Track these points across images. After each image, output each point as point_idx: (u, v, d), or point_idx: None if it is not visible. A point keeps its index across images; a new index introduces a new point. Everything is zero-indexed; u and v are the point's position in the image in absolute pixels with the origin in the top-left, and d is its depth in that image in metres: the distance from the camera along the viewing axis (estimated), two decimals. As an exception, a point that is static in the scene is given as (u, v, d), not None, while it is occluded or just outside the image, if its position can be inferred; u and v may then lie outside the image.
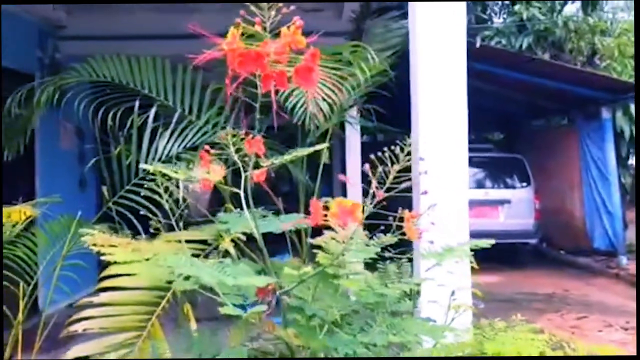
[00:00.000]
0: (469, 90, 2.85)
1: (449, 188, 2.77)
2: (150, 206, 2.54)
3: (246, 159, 1.78)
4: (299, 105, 3.71)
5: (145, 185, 2.10)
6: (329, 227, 1.71)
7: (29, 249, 3.07)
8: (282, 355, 2.02)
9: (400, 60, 3.91)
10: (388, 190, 1.64)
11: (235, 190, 1.81)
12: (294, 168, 4.00)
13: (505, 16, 15.24)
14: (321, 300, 1.91)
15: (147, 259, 1.79)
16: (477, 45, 9.24)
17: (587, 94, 9.71)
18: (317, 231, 1.85)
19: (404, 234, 1.72)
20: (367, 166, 1.65)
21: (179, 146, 3.55)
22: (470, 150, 2.95)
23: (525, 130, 12.68)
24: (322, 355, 1.85)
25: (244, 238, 2.31)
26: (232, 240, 2.45)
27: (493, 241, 2.03)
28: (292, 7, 1.64)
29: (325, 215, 1.65)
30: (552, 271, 9.52)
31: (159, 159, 3.41)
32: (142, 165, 2.16)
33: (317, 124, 3.83)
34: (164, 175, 1.98)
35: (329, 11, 6.59)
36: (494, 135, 15.60)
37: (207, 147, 1.85)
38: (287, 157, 1.87)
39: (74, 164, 7.07)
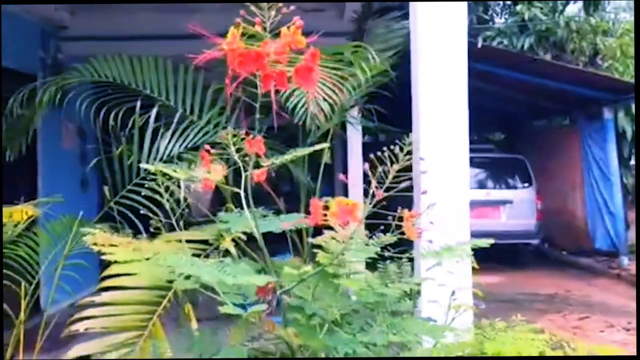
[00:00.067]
0: (471, 91, 2.84)
1: (449, 188, 2.77)
2: (152, 206, 2.54)
3: (247, 158, 1.79)
4: (300, 105, 3.71)
5: (147, 185, 2.10)
6: (329, 227, 1.72)
7: (31, 249, 3.08)
8: (283, 354, 2.02)
9: (402, 61, 3.91)
10: (388, 189, 1.64)
11: (236, 190, 1.81)
12: (295, 168, 4.00)
13: (506, 16, 15.22)
14: (321, 300, 1.91)
15: (148, 259, 1.80)
16: (479, 45, 9.26)
17: (589, 94, 9.70)
18: (318, 231, 1.86)
19: (403, 233, 1.72)
20: (366, 166, 1.65)
21: (180, 146, 3.55)
22: (472, 150, 2.95)
23: (526, 131, 12.67)
24: (322, 355, 1.85)
25: (244, 237, 2.32)
26: (233, 240, 2.46)
27: (492, 241, 2.03)
28: (292, 7, 1.64)
29: (325, 215, 1.66)
30: (553, 272, 9.52)
31: (161, 159, 3.42)
32: (143, 165, 2.17)
33: (318, 124, 3.83)
34: (165, 175, 1.99)
35: (330, 11, 6.61)
36: (496, 135, 15.59)
37: (207, 147, 1.86)
38: (287, 157, 1.87)
39: (76, 164, 7.08)
